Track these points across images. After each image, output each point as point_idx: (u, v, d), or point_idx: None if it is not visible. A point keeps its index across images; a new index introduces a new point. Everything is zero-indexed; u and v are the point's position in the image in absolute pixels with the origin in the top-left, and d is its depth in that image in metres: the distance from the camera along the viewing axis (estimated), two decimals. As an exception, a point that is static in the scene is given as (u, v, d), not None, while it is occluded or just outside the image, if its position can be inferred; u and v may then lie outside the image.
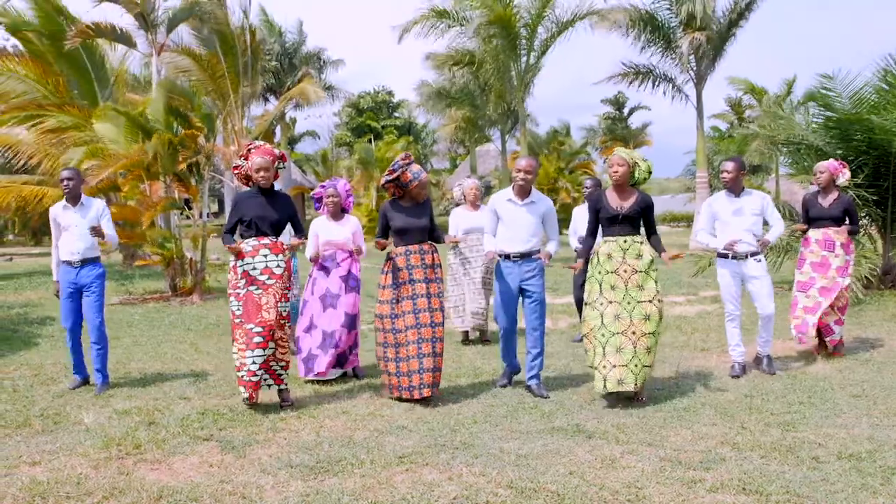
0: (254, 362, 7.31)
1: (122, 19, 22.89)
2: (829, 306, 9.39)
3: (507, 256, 8.08)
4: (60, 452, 6.16)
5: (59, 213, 8.53)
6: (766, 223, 8.85)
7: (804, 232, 9.70)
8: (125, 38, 22.09)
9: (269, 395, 7.82)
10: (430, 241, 7.95)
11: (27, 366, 9.88)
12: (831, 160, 9.78)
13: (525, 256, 8.02)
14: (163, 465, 5.85)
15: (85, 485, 5.41)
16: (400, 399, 7.66)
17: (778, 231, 8.75)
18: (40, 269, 24.49)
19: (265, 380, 7.53)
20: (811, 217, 9.61)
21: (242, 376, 7.36)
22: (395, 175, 7.77)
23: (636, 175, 7.65)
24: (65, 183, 8.52)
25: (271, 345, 7.39)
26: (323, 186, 9.28)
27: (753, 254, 8.56)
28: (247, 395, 7.37)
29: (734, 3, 27.61)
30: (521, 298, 8.16)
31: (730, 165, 8.59)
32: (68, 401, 7.96)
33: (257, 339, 7.32)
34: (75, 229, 8.50)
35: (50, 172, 19.31)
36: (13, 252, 38.63)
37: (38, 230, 41.09)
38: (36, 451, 6.19)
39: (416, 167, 7.84)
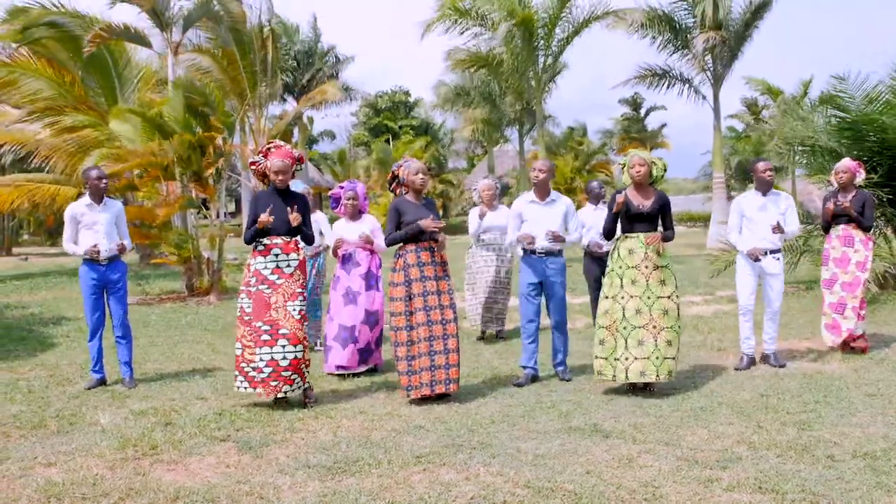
0: (261, 359, 7.38)
1: (139, 18, 22.77)
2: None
3: (532, 252, 8.35)
4: (76, 453, 6.18)
5: (84, 211, 8.55)
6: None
7: (826, 230, 9.89)
8: (139, 38, 22.11)
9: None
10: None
11: (42, 366, 9.92)
12: (847, 159, 9.89)
13: (549, 253, 8.34)
14: (179, 466, 5.86)
15: (101, 486, 5.43)
16: (416, 399, 7.64)
17: (793, 230, 9.03)
18: (55, 268, 24.62)
19: (278, 385, 7.44)
20: (832, 214, 9.72)
21: (248, 372, 7.46)
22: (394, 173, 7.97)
23: (654, 174, 7.98)
24: (104, 182, 8.61)
25: (281, 342, 7.41)
26: (342, 187, 9.51)
27: (773, 251, 8.84)
28: (249, 388, 7.50)
29: (749, 3, 27.52)
30: (542, 297, 8.47)
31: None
32: (84, 401, 7.98)
33: (265, 336, 7.40)
34: (100, 227, 8.54)
35: (63, 171, 19.41)
36: (28, 252, 38.92)
37: (53, 230, 41.29)
38: (51, 452, 6.21)
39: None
